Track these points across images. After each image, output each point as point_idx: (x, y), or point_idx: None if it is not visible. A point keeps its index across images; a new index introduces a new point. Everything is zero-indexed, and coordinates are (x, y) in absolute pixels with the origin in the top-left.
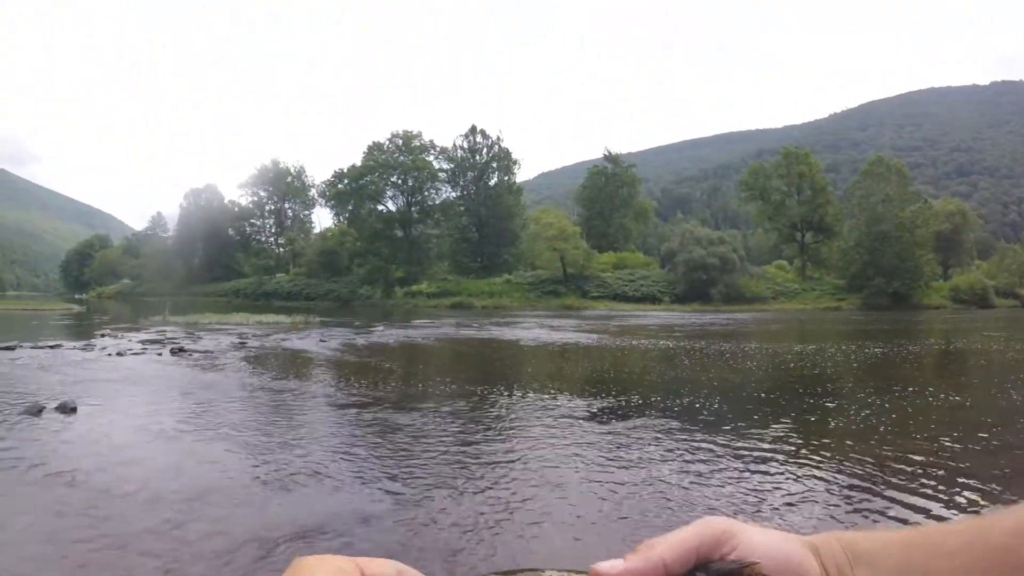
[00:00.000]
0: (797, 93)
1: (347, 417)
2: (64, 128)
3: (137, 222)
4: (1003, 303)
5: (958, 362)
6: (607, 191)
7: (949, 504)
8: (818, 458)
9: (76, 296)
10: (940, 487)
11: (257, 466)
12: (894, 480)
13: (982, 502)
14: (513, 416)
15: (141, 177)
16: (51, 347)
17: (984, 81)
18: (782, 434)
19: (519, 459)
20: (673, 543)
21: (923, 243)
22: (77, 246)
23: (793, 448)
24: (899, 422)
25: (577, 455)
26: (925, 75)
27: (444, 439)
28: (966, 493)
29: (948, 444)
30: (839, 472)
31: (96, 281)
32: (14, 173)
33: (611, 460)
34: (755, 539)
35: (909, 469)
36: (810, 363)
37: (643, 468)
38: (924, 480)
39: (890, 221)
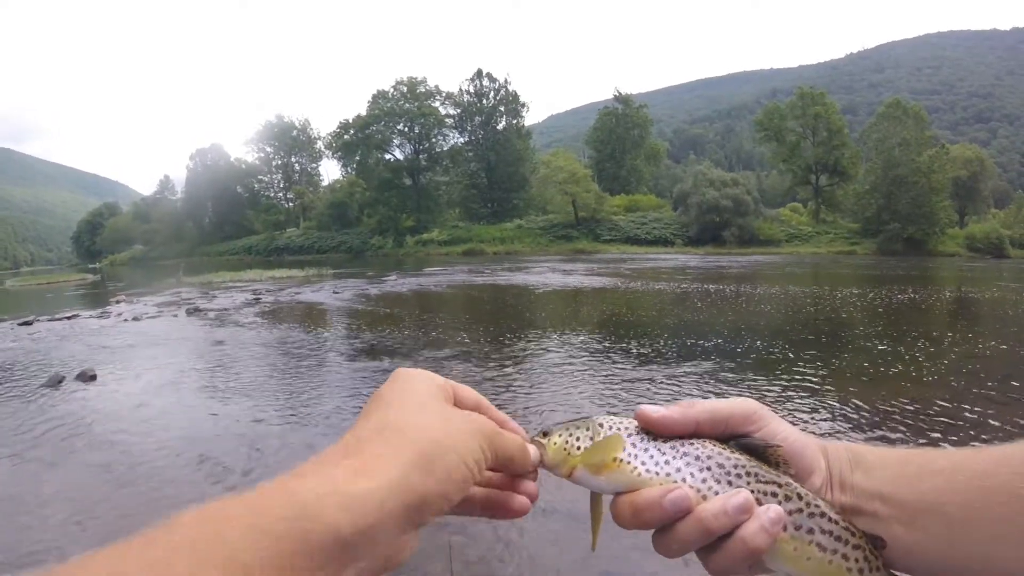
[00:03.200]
0: (812, 31)
1: (365, 366)
2: (65, 100)
3: (145, 187)
4: (1018, 254)
5: (972, 311)
6: (618, 133)
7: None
8: (827, 401)
9: (89, 266)
10: (947, 434)
11: (278, 419)
12: (902, 425)
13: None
14: (528, 358)
15: (146, 142)
16: (68, 318)
17: (1005, 26)
18: (792, 376)
19: (535, 393)
20: (709, 408)
21: (939, 189)
22: (87, 216)
23: (804, 390)
24: (910, 368)
25: (597, 393)
26: (944, 17)
27: (463, 381)
28: (972, 441)
29: (958, 392)
30: (847, 415)
31: (108, 249)
32: (18, 151)
33: (629, 394)
34: (779, 427)
35: (917, 415)
36: (824, 307)
37: (649, 392)
38: (931, 426)
39: (906, 165)
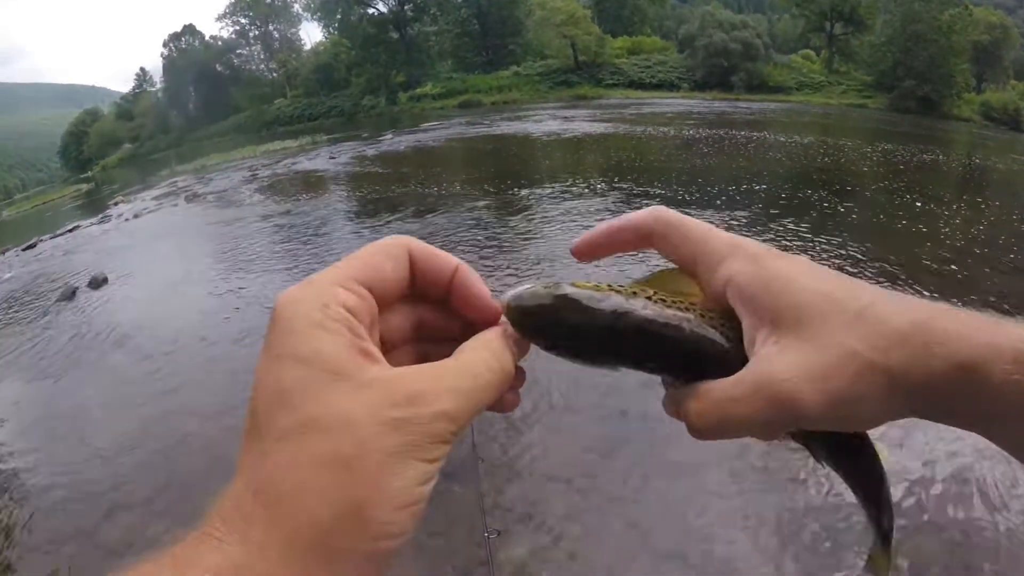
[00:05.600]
0: None
1: (372, 227)
2: (25, 17)
3: (124, 86)
4: None
5: (982, 178)
6: None
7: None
8: (826, 253)
9: (81, 176)
10: (940, 297)
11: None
12: (896, 283)
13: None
14: (533, 207)
15: (116, 38)
16: (69, 231)
17: None
18: (794, 224)
19: (540, 240)
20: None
21: (959, 51)
22: (69, 127)
23: (811, 241)
24: (911, 227)
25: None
26: None
27: (467, 236)
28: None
29: (955, 256)
30: (844, 268)
31: (97, 156)
32: None
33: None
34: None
35: (913, 275)
36: (832, 160)
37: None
38: (924, 287)
39: (927, 22)
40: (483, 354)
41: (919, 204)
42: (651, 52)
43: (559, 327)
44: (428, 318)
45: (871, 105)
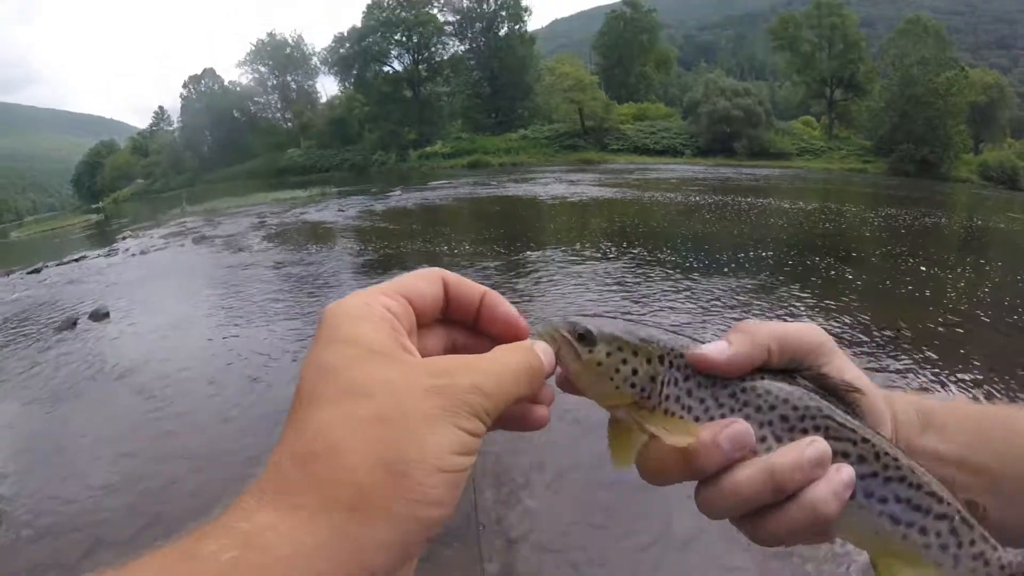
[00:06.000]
0: None
1: (380, 281)
2: (52, 43)
3: (141, 122)
4: None
5: (982, 240)
6: (626, 38)
7: (956, 379)
8: (833, 320)
9: (92, 206)
10: (948, 360)
11: (294, 341)
12: (904, 348)
13: (989, 378)
14: (541, 269)
15: (138, 76)
16: (76, 260)
17: None
18: (799, 291)
19: (548, 301)
20: (779, 333)
21: (956, 112)
22: (85, 157)
23: (812, 307)
24: (916, 292)
25: (603, 296)
26: None
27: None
28: (973, 371)
29: (962, 320)
30: (853, 335)
31: (109, 187)
32: (8, 101)
33: (632, 299)
34: (845, 365)
35: (921, 340)
36: (835, 225)
37: (657, 303)
38: (933, 351)
39: (924, 85)
40: (514, 352)
41: (923, 268)
42: (656, 118)
43: None
44: (460, 340)
45: (871, 170)
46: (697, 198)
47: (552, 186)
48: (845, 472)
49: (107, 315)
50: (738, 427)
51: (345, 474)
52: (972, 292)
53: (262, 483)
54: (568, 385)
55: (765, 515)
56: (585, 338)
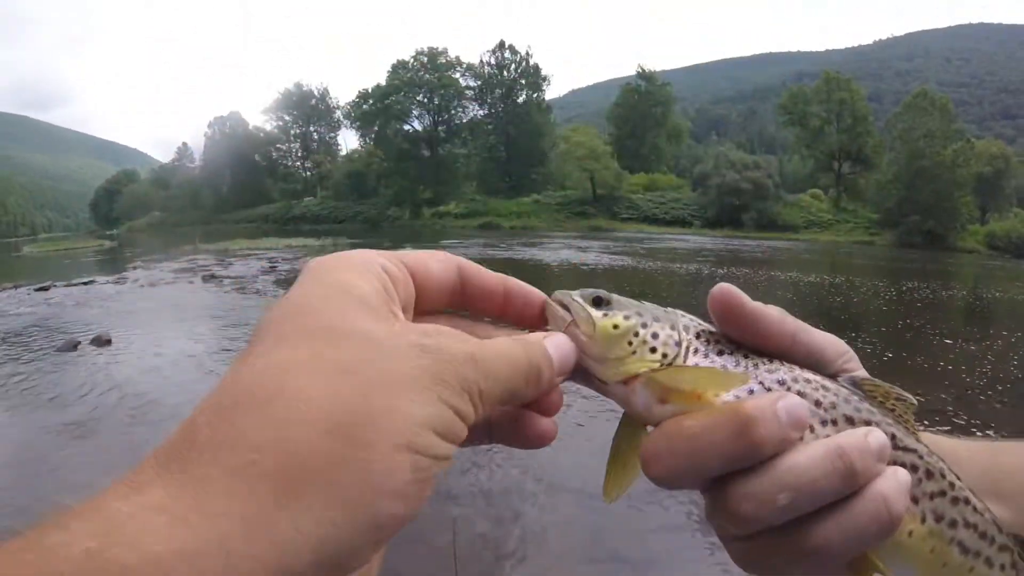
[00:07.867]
0: (841, 16)
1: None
2: (85, 68)
3: (164, 155)
4: None
5: (990, 311)
6: (640, 110)
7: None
8: None
9: (107, 232)
10: (960, 431)
11: None
12: (917, 418)
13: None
14: None
15: (165, 110)
16: (84, 283)
17: None
18: None
19: None
20: (803, 327)
21: (963, 184)
22: (105, 183)
23: None
24: (923, 364)
25: None
26: (976, 8)
27: None
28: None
29: (969, 392)
30: None
31: (126, 216)
32: (39, 118)
33: None
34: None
35: (939, 412)
36: (844, 299)
37: None
38: (946, 422)
39: (930, 158)
40: (515, 343)
41: (934, 340)
42: (666, 189)
43: None
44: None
45: (878, 242)
46: (705, 269)
47: (561, 251)
48: (902, 474)
49: (109, 341)
50: (794, 399)
51: (281, 430)
52: (985, 363)
53: (169, 443)
54: (579, 374)
55: (823, 516)
56: (601, 301)
